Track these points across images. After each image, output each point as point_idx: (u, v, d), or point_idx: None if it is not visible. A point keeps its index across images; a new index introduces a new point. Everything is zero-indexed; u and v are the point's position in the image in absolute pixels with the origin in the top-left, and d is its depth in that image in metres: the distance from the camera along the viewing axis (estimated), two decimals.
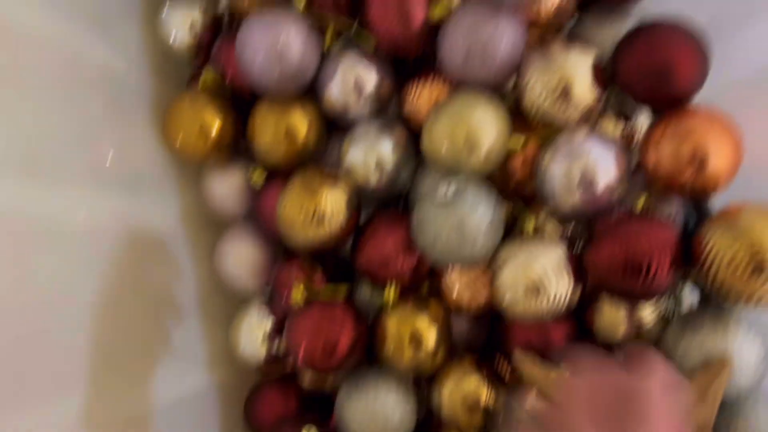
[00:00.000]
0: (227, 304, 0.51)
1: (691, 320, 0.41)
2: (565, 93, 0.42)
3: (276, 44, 0.41)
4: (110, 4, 0.46)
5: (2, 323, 0.33)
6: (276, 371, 0.50)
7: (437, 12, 0.43)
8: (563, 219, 0.45)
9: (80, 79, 0.42)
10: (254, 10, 0.45)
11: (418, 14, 0.43)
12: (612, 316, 0.44)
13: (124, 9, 0.47)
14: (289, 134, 0.45)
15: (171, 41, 0.49)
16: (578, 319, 0.45)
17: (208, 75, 0.47)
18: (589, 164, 0.40)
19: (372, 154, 0.45)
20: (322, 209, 0.43)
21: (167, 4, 0.49)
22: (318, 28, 0.45)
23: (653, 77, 0.40)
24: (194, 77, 0.50)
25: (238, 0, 0.47)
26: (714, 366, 0.39)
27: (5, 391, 0.33)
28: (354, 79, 0.45)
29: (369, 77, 0.45)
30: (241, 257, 0.49)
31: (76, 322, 0.39)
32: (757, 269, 0.36)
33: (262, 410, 0.49)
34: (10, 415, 0.33)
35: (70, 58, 0.41)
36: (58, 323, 0.37)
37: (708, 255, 0.38)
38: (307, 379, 0.50)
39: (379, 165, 0.45)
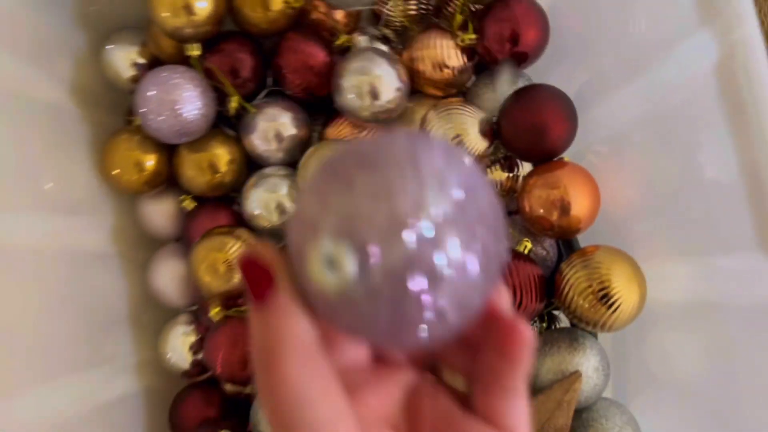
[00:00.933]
0: (159, 317, 0.56)
1: (550, 339, 0.49)
2: (458, 142, 0.49)
3: (172, 104, 0.47)
4: (52, 39, 0.49)
5: None
6: (200, 378, 0.55)
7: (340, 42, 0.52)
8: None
9: (21, 112, 0.46)
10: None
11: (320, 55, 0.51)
12: None
13: (66, 45, 0.51)
14: (212, 167, 0.51)
15: (112, 76, 0.53)
16: None
17: None
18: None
19: (272, 198, 0.51)
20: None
21: (110, 39, 0.53)
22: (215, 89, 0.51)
23: (529, 136, 0.48)
24: (133, 112, 0.54)
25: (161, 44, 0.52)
26: (568, 378, 0.47)
27: None
28: (275, 130, 0.51)
29: (288, 126, 0.52)
30: (170, 275, 0.54)
31: (9, 333, 0.42)
32: (604, 299, 0.45)
33: (185, 414, 0.53)
34: None
35: (12, 92, 0.45)
36: None
37: (565, 286, 0.46)
38: (228, 385, 0.55)
39: (280, 208, 0.51)
